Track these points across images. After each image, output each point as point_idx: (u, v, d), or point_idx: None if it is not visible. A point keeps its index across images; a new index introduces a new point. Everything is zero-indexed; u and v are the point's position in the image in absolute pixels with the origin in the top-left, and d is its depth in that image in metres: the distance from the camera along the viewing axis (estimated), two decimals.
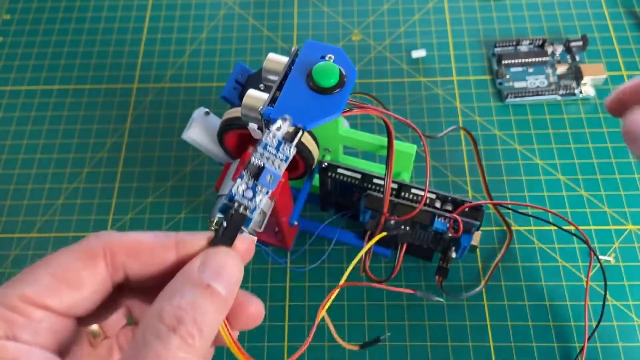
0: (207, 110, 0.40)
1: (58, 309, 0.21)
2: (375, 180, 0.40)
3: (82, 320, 0.23)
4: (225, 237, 0.24)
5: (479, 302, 0.43)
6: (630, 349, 0.41)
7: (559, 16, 0.57)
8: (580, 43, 0.53)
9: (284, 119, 0.29)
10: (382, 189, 0.39)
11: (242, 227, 0.25)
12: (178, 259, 0.23)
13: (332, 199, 0.44)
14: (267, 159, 0.27)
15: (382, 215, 0.36)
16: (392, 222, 0.39)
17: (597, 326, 0.41)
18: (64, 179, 0.51)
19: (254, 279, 0.45)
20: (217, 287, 0.21)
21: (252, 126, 0.32)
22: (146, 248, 0.23)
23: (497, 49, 0.54)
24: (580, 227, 0.44)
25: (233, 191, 0.26)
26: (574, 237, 0.44)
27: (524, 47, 0.54)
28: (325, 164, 0.40)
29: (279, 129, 0.28)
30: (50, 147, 0.52)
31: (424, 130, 0.51)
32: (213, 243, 0.24)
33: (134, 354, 0.19)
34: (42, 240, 0.48)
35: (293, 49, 0.32)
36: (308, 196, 0.42)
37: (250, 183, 0.26)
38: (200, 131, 0.40)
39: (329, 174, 0.40)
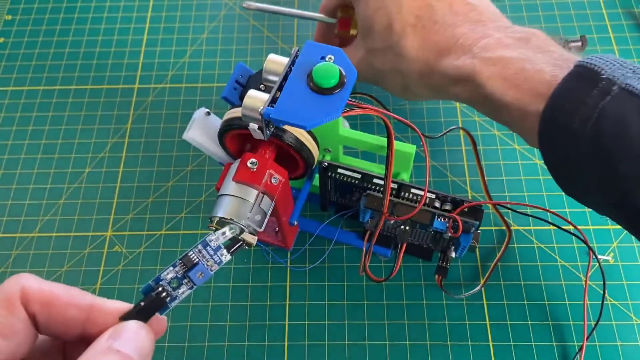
0: (208, 110, 0.40)
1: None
2: (375, 180, 0.40)
3: None
4: (139, 315, 0.24)
5: (479, 302, 0.43)
6: (629, 348, 0.41)
7: (558, 17, 0.57)
8: (579, 44, 0.53)
9: (231, 228, 0.30)
10: (382, 189, 0.39)
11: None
12: (87, 326, 0.23)
13: (332, 199, 0.44)
14: (204, 257, 0.28)
15: (382, 215, 0.36)
16: (392, 221, 0.39)
17: (595, 325, 0.41)
18: (65, 179, 0.51)
19: (254, 278, 0.45)
20: (128, 352, 0.21)
21: (253, 126, 0.32)
22: (60, 302, 0.23)
23: None
24: (579, 227, 0.44)
25: (162, 276, 0.26)
26: (573, 236, 0.44)
27: None
28: (325, 164, 0.40)
29: (224, 234, 0.29)
30: (52, 147, 0.53)
31: (424, 130, 0.51)
32: (125, 318, 0.24)
33: None
34: (43, 240, 0.48)
35: (293, 49, 0.32)
36: (308, 196, 0.42)
37: (181, 274, 0.27)
38: (201, 131, 0.40)
39: (329, 174, 0.40)
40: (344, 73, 0.31)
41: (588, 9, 0.57)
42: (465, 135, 0.50)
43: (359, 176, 0.40)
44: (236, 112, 0.36)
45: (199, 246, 0.27)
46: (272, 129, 0.33)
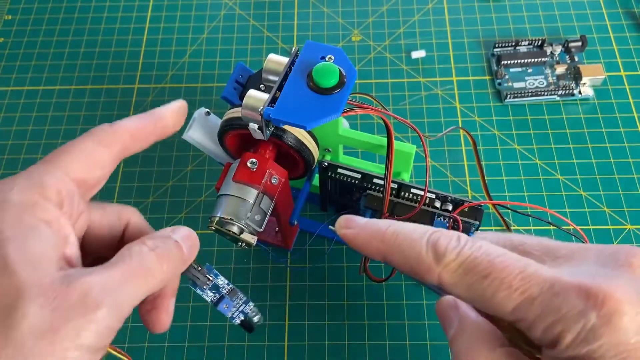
0: (207, 110, 0.40)
1: (92, 187, 0.28)
2: (375, 180, 0.40)
3: None
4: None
5: None
6: None
7: (558, 17, 0.57)
8: (579, 43, 0.53)
9: (258, 320, 0.32)
10: (382, 189, 0.39)
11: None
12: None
13: (332, 199, 0.44)
14: (235, 302, 0.31)
15: (382, 215, 0.36)
16: None
17: None
18: None
19: (255, 278, 0.45)
20: (183, 245, 0.28)
21: (253, 126, 0.32)
22: (143, 133, 0.31)
23: (497, 50, 0.54)
24: (579, 227, 0.44)
25: (219, 278, 0.31)
26: (573, 237, 0.44)
27: (523, 48, 0.54)
28: (325, 164, 0.40)
29: (252, 314, 0.32)
30: (52, 147, 0.52)
31: (424, 130, 0.51)
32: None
33: (123, 259, 0.25)
34: None
35: (293, 49, 0.32)
36: (308, 196, 0.42)
37: (223, 291, 0.31)
38: (200, 131, 0.40)
39: (329, 174, 0.40)
40: (344, 73, 0.31)
41: (588, 8, 0.57)
42: (465, 135, 0.50)
43: (359, 176, 0.40)
44: (236, 112, 0.36)
45: (242, 296, 0.31)
46: (271, 129, 0.33)
